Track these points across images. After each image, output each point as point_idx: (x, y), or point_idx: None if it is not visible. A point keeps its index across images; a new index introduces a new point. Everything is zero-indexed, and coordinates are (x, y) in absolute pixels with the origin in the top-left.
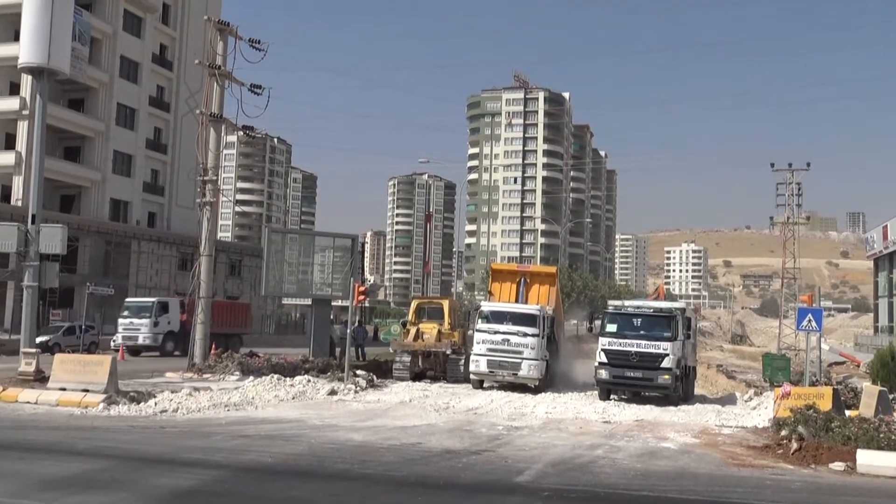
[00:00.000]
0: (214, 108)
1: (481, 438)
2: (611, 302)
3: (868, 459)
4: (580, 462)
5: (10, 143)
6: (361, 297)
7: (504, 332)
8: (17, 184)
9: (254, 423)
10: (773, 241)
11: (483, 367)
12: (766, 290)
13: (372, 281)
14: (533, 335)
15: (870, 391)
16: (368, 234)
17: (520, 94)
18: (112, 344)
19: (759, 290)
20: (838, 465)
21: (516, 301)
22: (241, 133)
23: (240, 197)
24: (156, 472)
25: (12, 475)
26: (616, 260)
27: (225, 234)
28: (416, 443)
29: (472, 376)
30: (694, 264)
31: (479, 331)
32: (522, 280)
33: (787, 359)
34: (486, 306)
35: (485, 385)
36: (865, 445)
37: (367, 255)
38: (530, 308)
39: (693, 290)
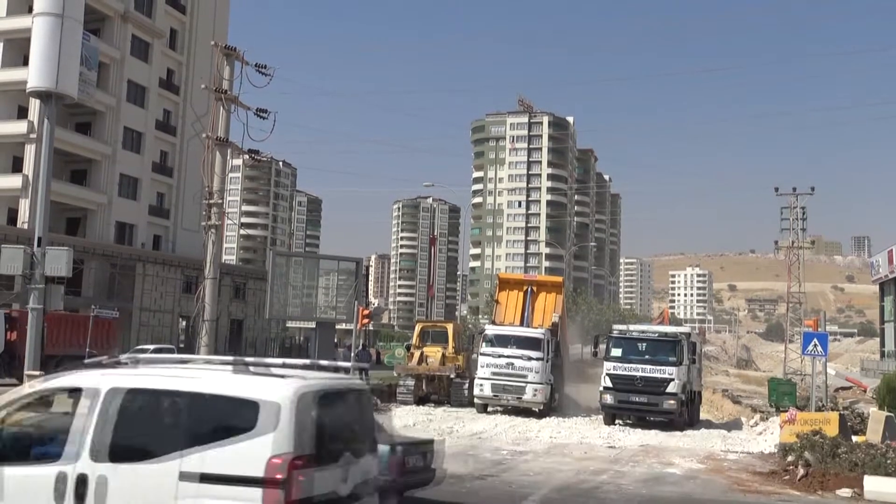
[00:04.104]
0: (220, 132)
1: (485, 463)
2: (615, 326)
3: (875, 486)
4: (585, 487)
5: (17, 167)
6: (365, 321)
7: (508, 356)
8: (24, 206)
9: None
10: (779, 266)
11: (487, 391)
12: (771, 314)
13: (376, 304)
14: (537, 359)
15: (877, 417)
16: (373, 257)
17: (524, 119)
18: None
19: (764, 315)
20: (845, 492)
21: (523, 310)
22: (246, 157)
23: (245, 220)
24: None
25: None
26: (620, 284)
27: (230, 257)
28: None
29: (476, 400)
30: (699, 288)
31: (483, 354)
32: (529, 290)
33: (792, 384)
34: (490, 330)
35: (489, 409)
36: (873, 472)
37: (371, 278)
38: (535, 332)
39: (698, 314)
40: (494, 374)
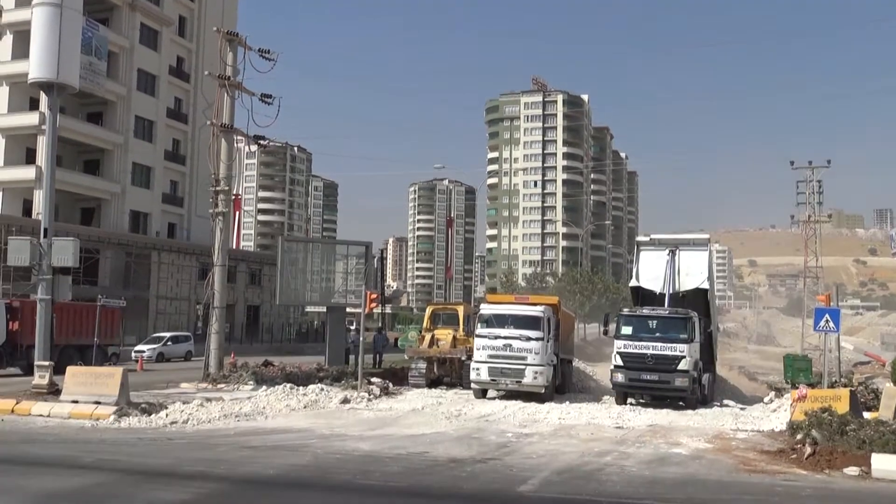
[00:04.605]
0: (225, 118)
1: (489, 446)
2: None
3: (883, 464)
4: (587, 470)
5: (30, 158)
6: (373, 305)
7: (506, 337)
8: (38, 197)
9: (262, 434)
10: (799, 240)
11: (484, 376)
12: (792, 289)
13: (394, 287)
14: (537, 339)
15: (890, 392)
16: (391, 240)
17: (538, 98)
18: (132, 355)
19: (785, 290)
20: (852, 470)
21: None
22: (254, 143)
23: (261, 206)
24: (154, 485)
25: (11, 491)
26: None
27: (247, 244)
28: (422, 452)
29: (473, 385)
30: (718, 264)
31: (479, 336)
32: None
33: (808, 359)
34: (486, 309)
35: (493, 393)
36: (881, 449)
37: (389, 261)
38: (534, 310)
39: (718, 290)
40: (491, 356)
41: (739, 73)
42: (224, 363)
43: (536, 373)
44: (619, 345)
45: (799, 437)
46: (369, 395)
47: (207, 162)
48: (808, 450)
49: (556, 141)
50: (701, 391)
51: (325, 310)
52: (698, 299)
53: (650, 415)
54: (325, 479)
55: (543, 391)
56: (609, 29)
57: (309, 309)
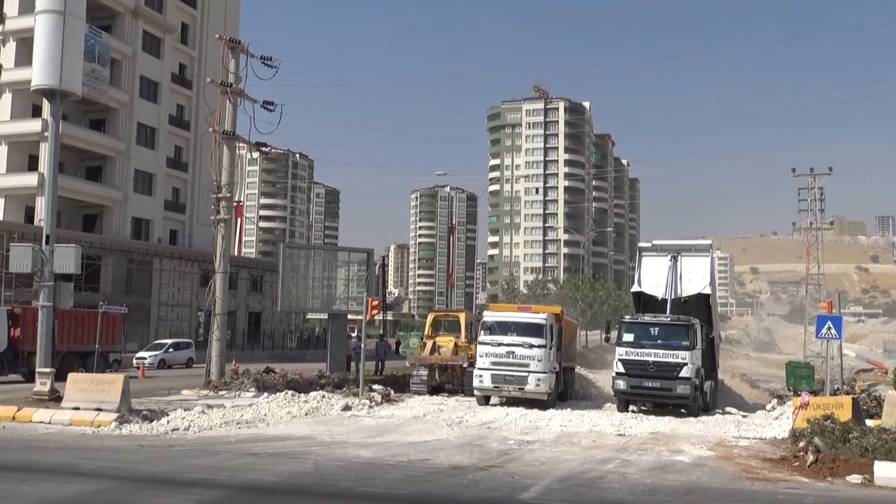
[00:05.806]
0: (227, 125)
1: (491, 454)
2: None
3: (886, 472)
4: (589, 477)
5: (33, 165)
6: (375, 312)
7: (508, 344)
8: (40, 204)
9: (263, 441)
10: (801, 247)
11: (487, 383)
12: (794, 296)
13: (396, 294)
14: (539, 346)
15: (893, 400)
16: (392, 247)
17: (540, 105)
18: (134, 362)
19: (787, 297)
20: (855, 478)
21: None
22: (255, 150)
23: (263, 213)
24: (155, 493)
25: (11, 498)
26: None
27: (249, 251)
28: (424, 459)
29: (476, 392)
30: (720, 272)
31: (482, 343)
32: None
33: (810, 367)
34: (489, 316)
35: (496, 400)
36: (884, 457)
37: (391, 267)
38: (536, 317)
39: (719, 297)
40: (494, 363)
41: (741, 79)
42: (225, 370)
43: (539, 380)
44: (620, 352)
45: (801, 444)
46: (371, 402)
47: (209, 169)
48: (811, 457)
49: (557, 148)
50: (703, 398)
51: (326, 317)
52: (700, 305)
53: (652, 422)
54: (326, 486)
55: (546, 398)
56: (610, 35)
57: (310, 316)
